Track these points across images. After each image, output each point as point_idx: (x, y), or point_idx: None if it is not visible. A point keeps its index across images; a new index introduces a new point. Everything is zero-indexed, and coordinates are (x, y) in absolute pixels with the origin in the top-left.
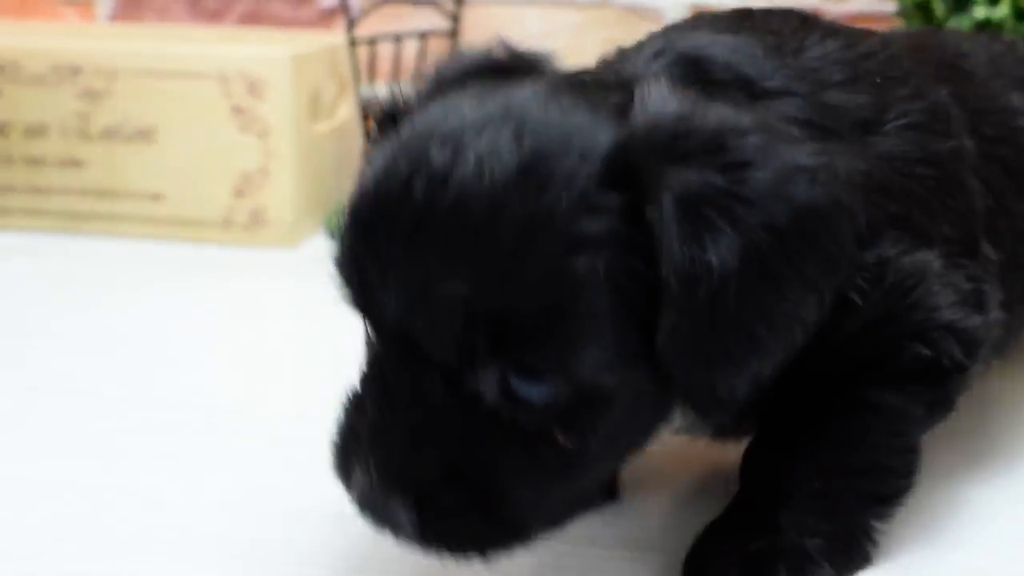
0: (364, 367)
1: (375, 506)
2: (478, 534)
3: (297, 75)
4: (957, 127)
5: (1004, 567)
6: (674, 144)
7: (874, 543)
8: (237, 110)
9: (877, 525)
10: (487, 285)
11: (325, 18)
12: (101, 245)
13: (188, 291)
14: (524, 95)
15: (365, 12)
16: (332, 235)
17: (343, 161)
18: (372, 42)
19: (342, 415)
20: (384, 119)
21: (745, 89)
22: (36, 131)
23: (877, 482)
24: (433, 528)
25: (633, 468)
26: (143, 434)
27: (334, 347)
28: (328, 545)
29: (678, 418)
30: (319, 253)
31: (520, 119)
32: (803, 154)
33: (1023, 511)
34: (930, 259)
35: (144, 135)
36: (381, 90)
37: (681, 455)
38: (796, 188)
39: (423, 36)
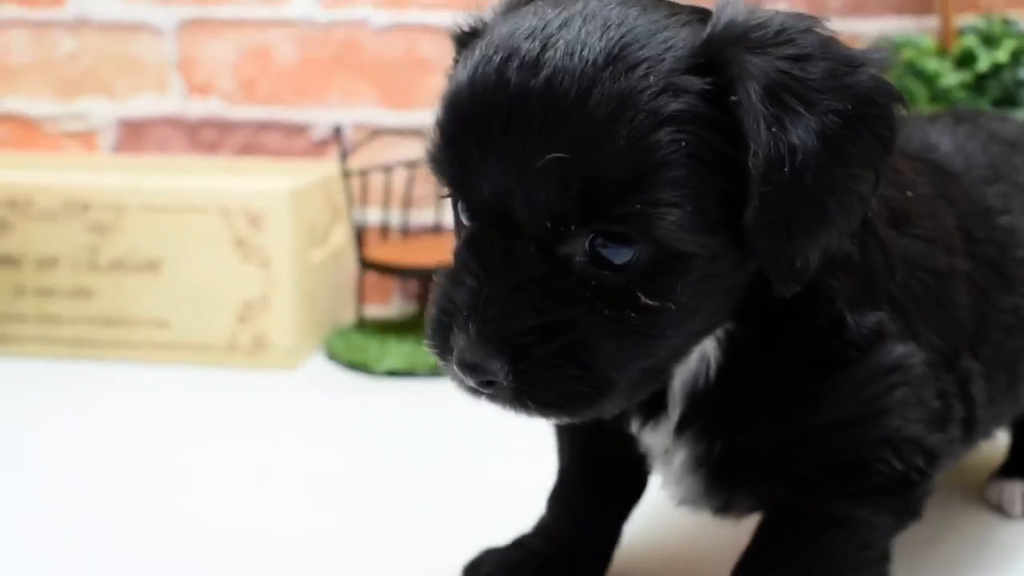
0: (458, 247)
1: (474, 364)
2: (567, 386)
3: (295, 208)
4: (956, 246)
5: None
6: (750, 37)
7: None
8: (239, 242)
9: None
10: (579, 155)
11: (318, 148)
12: (110, 370)
13: (194, 413)
14: (599, 2)
15: (356, 144)
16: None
17: (338, 285)
18: (364, 173)
19: (438, 291)
20: (463, 36)
21: None
22: (47, 263)
23: None
24: (526, 380)
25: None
26: (152, 555)
27: (335, 466)
28: None
29: (683, 490)
30: (318, 375)
31: (603, 17)
32: (857, 50)
33: None
34: (916, 357)
35: (151, 266)
36: (373, 215)
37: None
38: (856, 78)
39: (411, 165)
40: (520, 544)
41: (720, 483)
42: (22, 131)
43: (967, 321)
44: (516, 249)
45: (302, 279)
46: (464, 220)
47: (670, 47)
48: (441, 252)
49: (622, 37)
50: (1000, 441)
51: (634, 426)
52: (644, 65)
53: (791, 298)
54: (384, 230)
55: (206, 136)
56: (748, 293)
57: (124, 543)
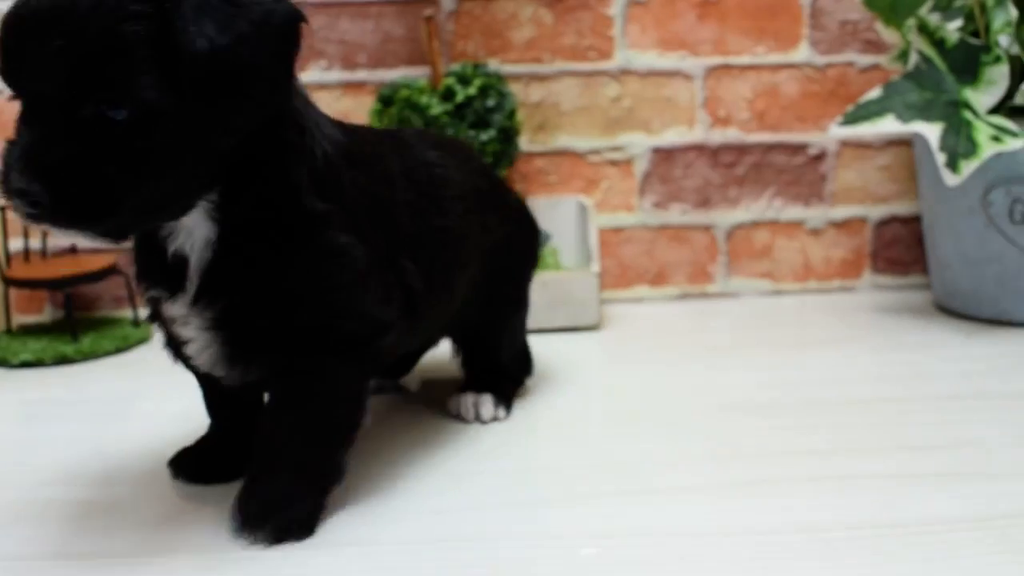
0: (16, 124)
1: (21, 189)
2: (87, 202)
3: None
4: (400, 185)
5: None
6: None
7: (341, 469)
8: None
9: (342, 456)
10: (78, 47)
11: None
12: None
13: None
14: None
15: None
16: None
17: None
18: (2, 209)
19: (3, 153)
20: None
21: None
22: None
23: (335, 424)
24: (58, 197)
25: None
26: None
27: None
28: None
29: (205, 357)
30: None
31: None
32: None
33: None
34: (359, 249)
35: None
36: (16, 243)
37: None
38: (266, 7)
39: None
40: (199, 440)
41: (231, 347)
42: None
43: (405, 235)
44: (49, 114)
45: None
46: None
47: None
48: (77, 266)
49: None
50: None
51: (163, 302)
52: None
53: (262, 187)
54: (27, 253)
55: None
56: (220, 171)
57: None
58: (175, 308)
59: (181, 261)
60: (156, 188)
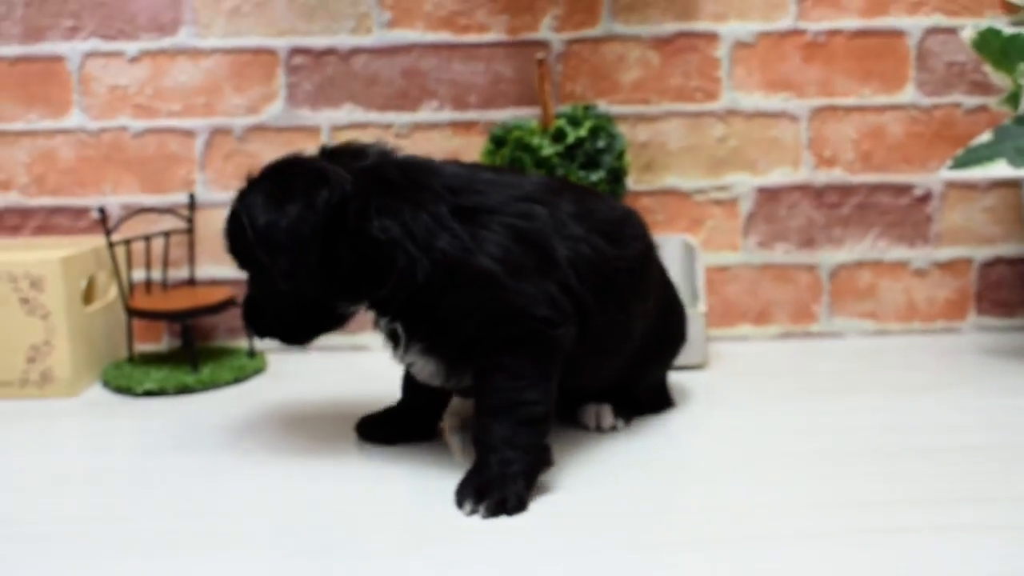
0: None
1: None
2: (255, 329)
3: (67, 271)
4: (566, 223)
5: None
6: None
7: (548, 451)
8: (24, 300)
9: (542, 440)
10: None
11: (97, 226)
12: None
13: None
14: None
15: (123, 219)
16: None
17: (112, 328)
18: (127, 242)
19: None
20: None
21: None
22: None
23: (530, 411)
24: (251, 318)
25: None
26: None
27: (105, 471)
28: None
29: (426, 373)
30: (93, 398)
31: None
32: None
33: None
34: (501, 273)
35: None
36: (139, 274)
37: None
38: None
39: (167, 235)
40: (387, 408)
41: (441, 366)
42: None
43: (566, 259)
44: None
45: (78, 326)
46: None
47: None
48: (194, 299)
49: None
50: None
51: (391, 350)
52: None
53: (388, 292)
54: (148, 285)
55: (8, 220)
56: (341, 291)
57: None
58: (399, 352)
59: (394, 329)
60: (280, 320)
